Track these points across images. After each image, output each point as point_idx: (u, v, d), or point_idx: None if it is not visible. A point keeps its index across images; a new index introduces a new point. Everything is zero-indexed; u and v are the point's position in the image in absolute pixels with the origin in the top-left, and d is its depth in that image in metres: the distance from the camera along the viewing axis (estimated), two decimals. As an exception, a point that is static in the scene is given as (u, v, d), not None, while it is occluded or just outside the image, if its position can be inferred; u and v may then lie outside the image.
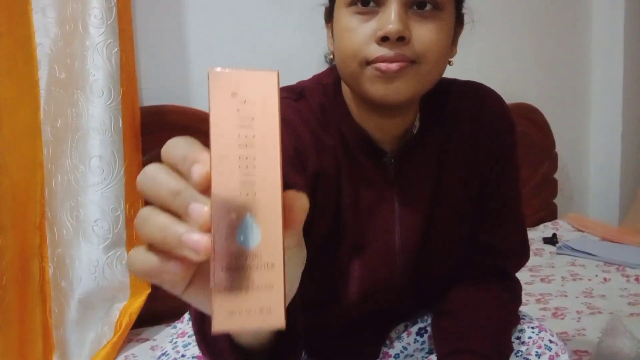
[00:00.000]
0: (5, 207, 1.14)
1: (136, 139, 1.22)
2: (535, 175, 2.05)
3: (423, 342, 0.87)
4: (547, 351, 0.80)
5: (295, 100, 0.76)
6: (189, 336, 0.82)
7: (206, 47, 1.45)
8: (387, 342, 0.88)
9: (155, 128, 1.31)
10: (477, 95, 0.80)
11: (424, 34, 0.65)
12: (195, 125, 1.36)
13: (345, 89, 0.77)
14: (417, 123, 0.77)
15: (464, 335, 0.78)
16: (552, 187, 2.12)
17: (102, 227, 1.14)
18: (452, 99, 0.78)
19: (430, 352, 0.85)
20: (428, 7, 0.65)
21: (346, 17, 0.67)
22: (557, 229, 1.97)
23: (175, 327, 0.91)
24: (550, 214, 2.12)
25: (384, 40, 0.64)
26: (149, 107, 1.32)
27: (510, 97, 1.99)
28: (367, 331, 0.86)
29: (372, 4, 0.65)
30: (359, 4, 0.66)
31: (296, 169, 0.71)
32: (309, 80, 0.80)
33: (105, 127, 1.13)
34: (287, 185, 0.52)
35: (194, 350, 0.76)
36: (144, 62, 1.34)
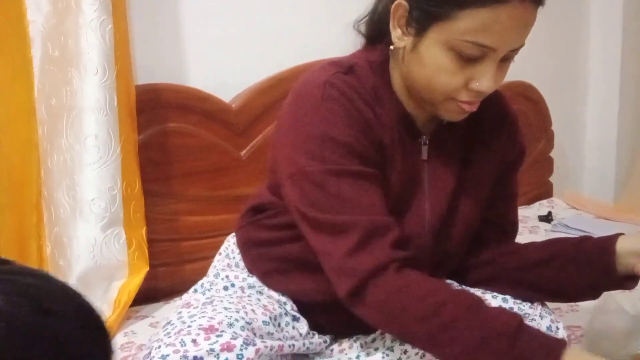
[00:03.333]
0: (2, 187, 1.14)
1: (131, 117, 1.22)
2: (531, 154, 2.05)
3: None
4: (548, 315, 0.89)
5: (345, 73, 0.81)
6: (194, 307, 0.83)
7: (201, 25, 1.43)
8: None
9: (150, 106, 1.30)
10: (498, 96, 0.90)
11: (499, 80, 0.77)
12: (190, 104, 1.35)
13: (393, 73, 0.84)
14: None
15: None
16: (548, 165, 2.13)
17: (99, 206, 1.14)
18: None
19: None
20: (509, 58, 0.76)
21: (445, 55, 0.73)
22: (553, 207, 1.98)
23: (184, 299, 0.94)
24: (546, 192, 2.13)
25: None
26: (144, 85, 1.31)
27: (507, 75, 1.99)
28: None
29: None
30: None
31: (367, 134, 0.79)
32: (355, 56, 0.86)
33: (100, 106, 1.12)
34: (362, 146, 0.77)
35: (200, 321, 0.78)
36: (138, 40, 1.33)
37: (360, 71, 0.82)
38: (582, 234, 1.72)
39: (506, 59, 0.76)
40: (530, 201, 2.04)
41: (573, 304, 1.24)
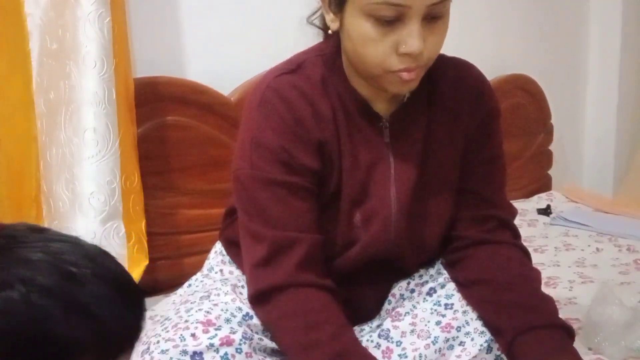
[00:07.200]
0: (1, 181, 1.14)
1: (130, 111, 1.22)
2: (530, 147, 2.05)
3: (436, 302, 0.89)
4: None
5: (290, 72, 0.83)
6: (191, 302, 0.83)
7: (200, 18, 1.43)
8: (391, 299, 0.91)
9: (149, 99, 1.30)
10: (459, 67, 0.90)
11: (434, 42, 0.75)
12: (189, 97, 1.35)
13: (344, 59, 0.84)
14: (407, 92, 0.85)
15: (528, 310, 0.82)
16: (547, 159, 2.13)
17: (99, 199, 1.14)
18: (437, 70, 0.85)
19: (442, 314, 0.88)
20: (438, 16, 0.74)
21: (365, 24, 0.73)
22: (552, 200, 1.98)
23: (179, 294, 0.95)
24: (545, 186, 2.13)
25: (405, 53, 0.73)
26: (143, 78, 1.31)
27: (507, 68, 1.99)
28: (370, 286, 0.91)
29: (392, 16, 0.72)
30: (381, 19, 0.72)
31: (299, 138, 0.80)
32: (308, 52, 0.87)
33: (99, 99, 1.12)
34: (291, 154, 0.76)
35: (197, 315, 0.78)
36: (137, 33, 1.32)
37: (308, 66, 0.83)
38: (581, 226, 1.73)
39: (433, 17, 0.73)
40: (529, 194, 2.04)
41: (571, 295, 1.25)
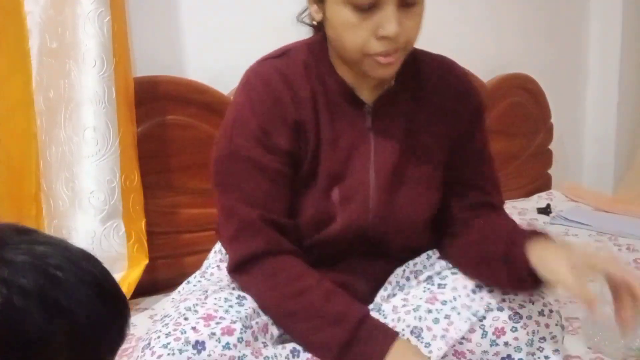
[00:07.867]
0: (0, 179, 1.14)
1: (130, 110, 1.22)
2: (530, 146, 2.05)
3: (429, 283, 0.91)
4: (540, 299, 0.91)
5: (275, 57, 0.89)
6: (190, 300, 0.83)
7: (200, 16, 1.43)
8: (387, 286, 0.92)
9: (149, 99, 1.30)
10: (443, 66, 0.94)
11: (411, 26, 0.80)
12: (189, 96, 1.35)
13: (330, 48, 0.89)
14: (392, 81, 0.90)
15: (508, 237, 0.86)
16: (547, 158, 2.13)
17: (98, 198, 1.14)
18: (422, 64, 0.91)
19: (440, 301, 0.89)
20: (412, 3, 0.78)
21: (344, 11, 0.79)
22: (551, 200, 1.98)
23: (178, 292, 0.96)
24: (545, 185, 2.13)
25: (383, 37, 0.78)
26: (143, 77, 1.31)
27: (506, 67, 1.99)
28: (361, 271, 0.92)
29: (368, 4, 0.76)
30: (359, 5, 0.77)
31: (276, 118, 0.85)
32: (298, 42, 0.93)
33: (99, 98, 1.12)
34: (268, 133, 0.82)
35: (198, 313, 0.78)
36: (136, 32, 1.32)
37: (293, 52, 0.89)
38: (581, 226, 1.73)
39: (408, 4, 0.78)
40: (528, 193, 2.04)
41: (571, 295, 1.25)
